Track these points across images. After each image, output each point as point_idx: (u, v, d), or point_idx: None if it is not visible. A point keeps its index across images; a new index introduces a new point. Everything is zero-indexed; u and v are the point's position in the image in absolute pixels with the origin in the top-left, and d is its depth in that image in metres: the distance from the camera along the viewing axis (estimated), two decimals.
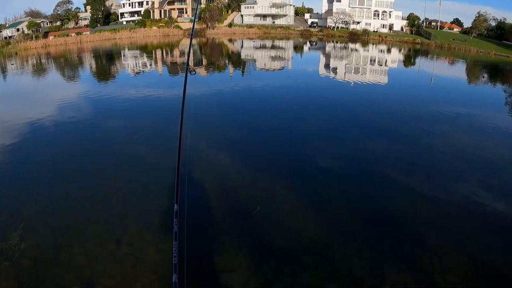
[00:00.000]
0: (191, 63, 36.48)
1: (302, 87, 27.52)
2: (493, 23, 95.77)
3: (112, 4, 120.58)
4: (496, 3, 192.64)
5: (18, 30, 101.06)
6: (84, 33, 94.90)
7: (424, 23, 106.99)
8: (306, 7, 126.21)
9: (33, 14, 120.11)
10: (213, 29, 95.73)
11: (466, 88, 33.89)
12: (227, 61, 45.07)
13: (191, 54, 48.65)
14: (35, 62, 49.16)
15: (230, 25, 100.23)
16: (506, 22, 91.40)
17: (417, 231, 8.77)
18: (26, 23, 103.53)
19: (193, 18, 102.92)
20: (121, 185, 10.70)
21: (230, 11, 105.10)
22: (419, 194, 10.54)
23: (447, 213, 9.53)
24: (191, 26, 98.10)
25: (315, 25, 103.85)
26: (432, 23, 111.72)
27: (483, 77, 41.90)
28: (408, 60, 57.12)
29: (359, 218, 9.29)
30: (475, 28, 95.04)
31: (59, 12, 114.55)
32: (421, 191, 10.72)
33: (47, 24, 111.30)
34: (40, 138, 15.28)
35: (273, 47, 67.73)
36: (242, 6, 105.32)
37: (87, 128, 16.50)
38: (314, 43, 78.41)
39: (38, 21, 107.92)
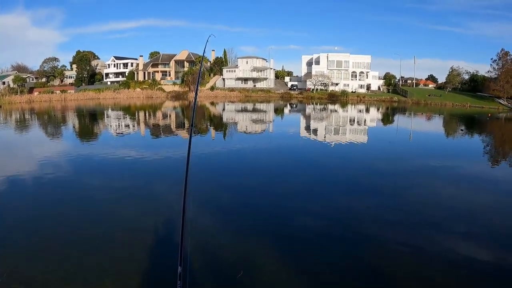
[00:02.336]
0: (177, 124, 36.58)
1: (283, 149, 27.58)
2: (466, 76, 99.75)
3: (97, 64, 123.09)
4: (468, 57, 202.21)
5: (3, 83, 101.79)
6: (68, 91, 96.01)
7: (400, 81, 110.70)
8: (286, 70, 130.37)
9: (20, 68, 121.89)
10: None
11: (444, 141, 34.50)
12: (209, 124, 45.44)
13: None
14: (18, 117, 49.16)
15: (212, 88, 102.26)
16: (478, 74, 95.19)
17: (401, 285, 8.67)
18: (12, 77, 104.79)
19: (177, 81, 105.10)
20: (100, 244, 10.39)
21: (212, 74, 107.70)
22: (402, 248, 10.44)
23: (430, 266, 9.41)
24: (174, 89, 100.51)
25: (295, 87, 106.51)
26: (408, 81, 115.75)
27: (462, 130, 42.88)
28: (387, 119, 58.38)
29: (342, 276, 9.10)
30: (449, 82, 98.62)
31: (45, 69, 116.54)
32: (404, 244, 10.64)
33: (33, 80, 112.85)
34: (18, 194, 14.98)
35: (254, 110, 68.68)
36: (224, 70, 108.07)
37: (66, 186, 16.21)
38: (294, 106, 79.87)
39: (24, 76, 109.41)
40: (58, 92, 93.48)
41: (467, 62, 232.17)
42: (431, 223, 12.53)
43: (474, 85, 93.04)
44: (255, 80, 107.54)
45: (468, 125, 48.91)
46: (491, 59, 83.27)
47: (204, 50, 7.57)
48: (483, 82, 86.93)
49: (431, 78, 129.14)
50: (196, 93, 6.24)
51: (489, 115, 60.46)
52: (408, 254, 10.15)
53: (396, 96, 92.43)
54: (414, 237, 11.35)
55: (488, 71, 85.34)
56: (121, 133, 36.14)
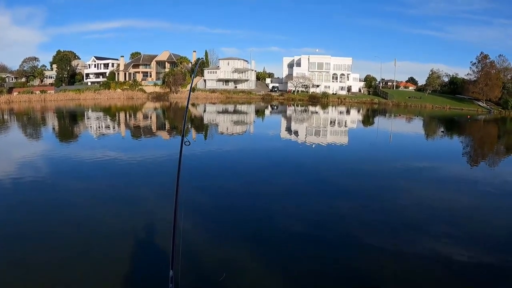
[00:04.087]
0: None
1: (264, 151, 27.25)
2: (446, 79, 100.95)
3: (78, 64, 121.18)
4: (448, 60, 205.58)
5: None
6: (48, 91, 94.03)
7: (381, 84, 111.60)
8: (267, 72, 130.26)
9: None
10: (177, 93, 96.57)
11: (424, 143, 34.77)
12: (190, 126, 44.89)
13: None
14: None
15: (193, 89, 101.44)
16: (458, 77, 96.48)
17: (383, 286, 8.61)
18: None
19: (158, 82, 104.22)
20: (85, 249, 10.04)
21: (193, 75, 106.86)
22: (384, 250, 10.41)
23: (412, 267, 9.48)
24: (155, 90, 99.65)
25: (276, 89, 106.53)
26: (389, 83, 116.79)
27: (442, 131, 43.22)
28: (367, 120, 58.62)
29: (325, 279, 8.99)
30: (429, 85, 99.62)
31: (25, 69, 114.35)
32: (386, 246, 10.62)
33: (12, 80, 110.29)
34: None
35: (235, 111, 68.39)
36: (205, 71, 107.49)
37: (46, 189, 15.79)
38: (275, 107, 79.71)
39: (3, 76, 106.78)
40: (37, 92, 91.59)
41: (447, 65, 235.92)
42: (411, 224, 12.55)
43: (454, 88, 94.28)
44: (236, 81, 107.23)
45: (448, 127, 49.48)
46: (471, 62, 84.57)
47: (195, 71, 7.17)
48: (463, 84, 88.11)
49: (411, 81, 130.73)
50: (188, 100, 5.89)
51: (469, 117, 61.16)
52: (389, 255, 10.13)
53: (377, 98, 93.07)
54: (395, 238, 11.33)
55: (467, 74, 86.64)
56: (102, 134, 35.34)
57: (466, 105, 77.81)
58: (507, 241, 11.32)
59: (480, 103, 78.73)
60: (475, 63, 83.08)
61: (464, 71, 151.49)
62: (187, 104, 6.21)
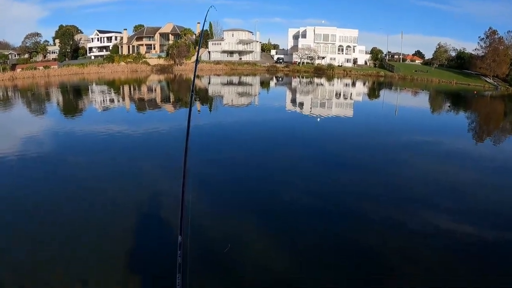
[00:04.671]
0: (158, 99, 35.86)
1: (269, 123, 27.20)
2: (453, 54, 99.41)
3: (81, 39, 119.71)
4: (456, 34, 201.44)
5: None
6: (52, 66, 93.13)
7: (387, 56, 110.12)
8: (272, 43, 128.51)
9: (1, 45, 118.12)
10: (181, 65, 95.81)
11: (430, 117, 34.57)
12: (194, 98, 44.63)
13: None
14: (1, 94, 47.65)
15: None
16: (465, 52, 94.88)
17: (386, 259, 8.73)
18: None
19: (162, 54, 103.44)
20: (87, 222, 10.16)
21: (197, 47, 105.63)
22: (386, 223, 10.53)
23: (415, 241, 9.54)
24: (159, 63, 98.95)
25: (281, 61, 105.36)
26: (395, 56, 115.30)
27: (449, 106, 42.94)
28: (373, 93, 58.13)
29: (329, 251, 9.16)
30: (436, 59, 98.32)
31: (27, 45, 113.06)
32: (389, 220, 10.73)
33: (15, 56, 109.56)
34: (2, 172, 14.64)
35: (240, 83, 67.93)
36: (210, 43, 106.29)
37: (53, 164, 15.87)
38: (280, 79, 79.12)
39: (6, 53, 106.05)
40: (41, 68, 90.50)
41: (455, 40, 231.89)
42: (415, 198, 12.60)
43: (461, 63, 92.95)
44: (241, 53, 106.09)
45: (454, 102, 49.02)
46: (479, 37, 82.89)
47: (204, 23, 7.15)
48: (470, 59, 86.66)
49: (418, 54, 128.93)
50: (195, 66, 5.82)
51: (475, 92, 60.54)
52: (392, 228, 10.23)
53: (383, 71, 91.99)
54: (399, 211, 11.42)
55: (475, 49, 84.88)
56: (106, 108, 35.28)
57: (473, 81, 76.85)
58: (508, 216, 11.39)
59: (487, 79, 77.71)
60: (483, 39, 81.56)
61: (472, 46, 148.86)
62: (196, 63, 6.11)
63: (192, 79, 5.82)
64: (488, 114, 39.70)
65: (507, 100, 55.99)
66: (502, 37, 79.81)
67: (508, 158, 19.27)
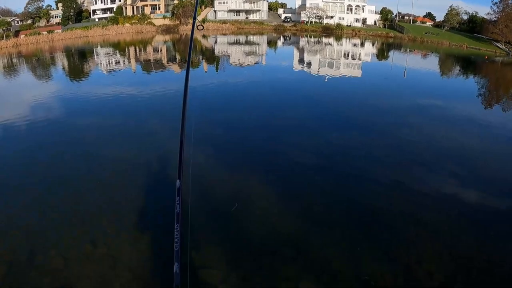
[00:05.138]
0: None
1: (276, 83, 26.94)
2: (465, 17, 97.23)
3: (84, 1, 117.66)
4: None
5: None
6: (55, 31, 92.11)
7: (397, 17, 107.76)
8: (280, 2, 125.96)
9: (3, 12, 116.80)
10: (187, 25, 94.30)
11: (439, 80, 33.99)
12: (201, 58, 44.12)
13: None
14: (6, 62, 47.21)
15: (203, 21, 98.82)
16: (477, 15, 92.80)
17: (392, 221, 8.78)
18: None
19: (167, 14, 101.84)
20: (92, 183, 10.28)
21: (203, 7, 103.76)
22: (394, 185, 10.53)
23: (421, 204, 9.53)
24: (165, 23, 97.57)
25: (288, 20, 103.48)
26: (405, 17, 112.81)
27: (459, 70, 42.26)
28: (382, 54, 57.20)
29: (335, 210, 9.22)
30: (448, 21, 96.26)
31: (30, 10, 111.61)
32: (396, 182, 10.72)
33: (18, 23, 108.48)
34: (10, 138, 14.65)
35: (246, 42, 67.01)
36: (216, 2, 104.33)
37: (59, 128, 15.87)
38: (287, 38, 77.96)
39: (8, 20, 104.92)
40: (44, 33, 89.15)
41: (467, 3, 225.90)
42: (421, 162, 12.52)
43: (473, 26, 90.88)
44: (247, 12, 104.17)
45: (464, 66, 48.19)
46: (492, 1, 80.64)
47: None
48: (482, 24, 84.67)
49: (429, 16, 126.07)
50: (192, 30, 5.55)
51: (486, 57, 59.45)
52: (397, 191, 10.22)
53: (392, 31, 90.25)
54: (404, 174, 11.38)
55: (487, 13, 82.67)
56: (112, 70, 35.02)
57: (484, 46, 75.26)
58: None
59: (499, 44, 76.01)
60: (496, 3, 79.18)
61: (484, 10, 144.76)
62: (192, 30, 5.87)
63: (190, 39, 5.55)
64: (498, 80, 38.99)
65: None
66: None
67: None
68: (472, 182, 11.11)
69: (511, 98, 28.52)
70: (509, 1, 77.21)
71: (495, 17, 78.58)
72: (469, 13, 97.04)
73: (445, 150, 13.80)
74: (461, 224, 8.82)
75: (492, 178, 11.48)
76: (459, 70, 42.93)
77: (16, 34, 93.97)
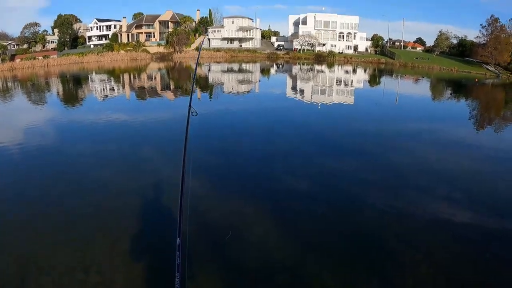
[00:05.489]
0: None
1: (270, 110, 27.17)
2: (455, 41, 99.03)
3: (79, 28, 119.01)
4: (457, 21, 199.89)
5: None
6: (51, 56, 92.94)
7: (388, 43, 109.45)
8: (273, 30, 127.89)
9: (0, 36, 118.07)
10: (181, 53, 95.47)
11: (430, 104, 34.51)
12: (194, 85, 44.48)
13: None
14: (1, 85, 47.54)
15: (197, 48, 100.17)
16: (467, 39, 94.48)
17: (387, 245, 8.80)
18: None
19: (161, 42, 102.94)
20: (83, 211, 10.14)
21: (197, 35, 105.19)
22: (388, 210, 10.55)
23: (415, 227, 9.63)
24: (159, 50, 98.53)
25: (281, 48, 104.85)
26: (396, 43, 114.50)
27: (451, 94, 42.89)
28: (373, 80, 57.86)
29: (329, 236, 9.23)
30: (438, 46, 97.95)
31: (26, 35, 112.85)
32: (389, 206, 10.76)
33: (14, 47, 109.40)
34: (3, 163, 14.59)
35: (240, 70, 67.66)
36: (209, 30, 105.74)
37: (53, 153, 15.90)
38: (280, 66, 78.79)
39: (4, 44, 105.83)
40: (40, 58, 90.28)
41: (456, 27, 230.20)
42: (414, 185, 12.62)
43: (462, 50, 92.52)
44: (241, 40, 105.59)
45: (455, 90, 48.92)
46: (481, 25, 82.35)
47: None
48: (472, 47, 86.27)
49: (419, 41, 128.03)
50: (195, 73, 5.69)
51: (477, 80, 60.31)
52: (390, 215, 10.25)
53: (384, 57, 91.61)
54: (397, 198, 11.46)
55: (476, 37, 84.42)
56: (106, 97, 35.26)
57: (474, 68, 76.49)
58: (508, 204, 11.40)
59: (488, 67, 77.31)
60: (485, 26, 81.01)
61: (473, 34, 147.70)
62: (194, 77, 6.03)
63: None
64: (489, 102, 39.55)
65: (508, 88, 55.80)
66: (504, 25, 79.43)
67: (509, 147, 19.21)
68: (466, 204, 11.19)
69: (502, 120, 28.88)
70: (497, 24, 78.78)
71: (484, 40, 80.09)
72: (458, 37, 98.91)
73: (438, 173, 13.90)
74: (456, 246, 8.83)
75: (485, 200, 11.56)
76: (450, 94, 43.53)
77: (12, 58, 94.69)
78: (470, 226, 9.72)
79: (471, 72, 73.82)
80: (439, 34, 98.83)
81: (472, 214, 10.40)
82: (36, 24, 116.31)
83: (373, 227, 9.54)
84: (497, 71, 75.04)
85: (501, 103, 40.42)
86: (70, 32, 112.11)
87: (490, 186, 12.88)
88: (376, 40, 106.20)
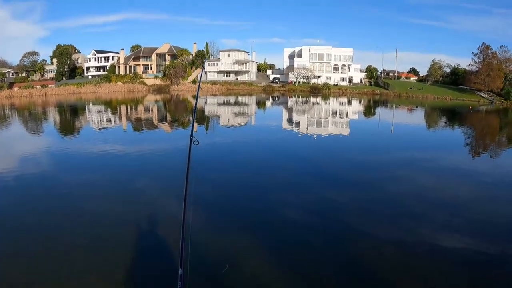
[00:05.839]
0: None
1: (266, 142, 27.27)
2: (448, 70, 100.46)
3: (78, 58, 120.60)
4: (449, 50, 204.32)
5: None
6: (49, 85, 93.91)
7: (382, 74, 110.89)
8: (268, 63, 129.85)
9: None
10: (177, 85, 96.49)
11: (426, 134, 34.77)
12: (191, 117, 44.81)
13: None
14: None
15: (194, 81, 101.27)
16: (459, 67, 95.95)
17: (385, 275, 8.74)
18: None
19: (158, 74, 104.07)
20: (82, 241, 10.05)
21: (194, 68, 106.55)
22: (385, 239, 10.52)
23: (414, 256, 9.58)
24: (156, 83, 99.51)
25: (277, 80, 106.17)
26: (390, 74, 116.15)
27: (446, 122, 43.32)
28: (369, 111, 58.43)
29: (326, 267, 9.13)
30: (431, 75, 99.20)
31: (25, 63, 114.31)
32: (387, 236, 10.73)
33: (13, 75, 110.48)
34: None
35: (236, 103, 68.20)
36: (206, 63, 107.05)
37: (49, 183, 15.89)
38: (276, 98, 79.50)
39: (3, 71, 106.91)
40: (38, 87, 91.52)
41: (449, 56, 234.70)
42: (412, 214, 12.61)
43: (455, 78, 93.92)
44: (237, 73, 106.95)
45: (450, 118, 49.37)
46: (472, 52, 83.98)
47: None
48: (464, 75, 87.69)
49: (413, 71, 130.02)
50: (196, 101, 5.83)
51: (471, 107, 61.01)
52: (389, 244, 10.21)
53: (378, 88, 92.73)
54: (395, 227, 11.44)
55: (469, 65, 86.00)
56: (103, 128, 35.43)
57: (468, 96, 77.54)
58: (506, 230, 11.42)
59: (482, 94, 78.40)
60: (476, 54, 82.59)
61: (465, 62, 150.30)
62: (195, 105, 6.16)
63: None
64: (483, 129, 39.95)
65: (502, 114, 56.44)
66: (496, 51, 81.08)
67: (505, 172, 19.28)
68: (464, 231, 11.18)
69: (496, 146, 29.12)
70: (489, 51, 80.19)
71: (477, 67, 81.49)
72: (451, 65, 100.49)
73: (435, 200, 13.92)
74: (455, 274, 8.79)
75: (483, 226, 11.58)
76: (445, 122, 43.98)
77: (10, 85, 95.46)
78: (468, 253, 9.69)
79: (465, 99, 74.81)
80: (432, 63, 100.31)
81: (471, 242, 10.36)
82: (35, 53, 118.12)
83: (370, 258, 9.48)
84: (490, 97, 76.03)
85: (495, 129, 40.86)
86: (68, 62, 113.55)
87: (488, 212, 12.89)
88: (370, 72, 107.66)
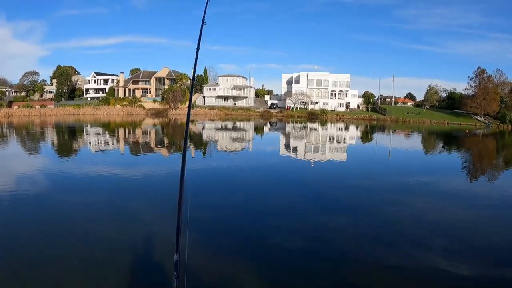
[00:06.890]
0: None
1: (263, 168, 27.20)
2: (444, 94, 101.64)
3: (78, 80, 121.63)
4: (445, 75, 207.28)
5: None
6: (48, 106, 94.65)
7: (379, 100, 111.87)
8: (266, 88, 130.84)
9: None
10: (176, 109, 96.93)
11: (423, 158, 34.83)
12: (189, 142, 44.86)
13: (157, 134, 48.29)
14: None
15: (192, 106, 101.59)
16: (455, 92, 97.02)
17: None
18: None
19: (157, 98, 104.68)
20: (74, 264, 9.84)
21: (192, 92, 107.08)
22: (384, 264, 10.38)
23: (412, 281, 9.45)
24: (154, 106, 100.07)
25: (274, 106, 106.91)
26: (387, 99, 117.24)
27: (443, 147, 43.50)
28: (366, 136, 58.67)
29: None
30: (427, 100, 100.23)
31: (25, 83, 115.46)
32: (386, 261, 10.59)
33: (12, 93, 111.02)
34: None
35: (234, 128, 68.42)
36: (204, 88, 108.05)
37: (44, 203, 15.72)
38: (274, 124, 79.87)
39: (3, 90, 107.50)
40: (37, 106, 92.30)
41: (445, 80, 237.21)
42: (411, 239, 12.50)
43: (452, 103, 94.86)
44: (235, 98, 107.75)
45: (447, 142, 49.58)
46: (468, 76, 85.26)
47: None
48: (460, 99, 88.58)
49: (409, 96, 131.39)
50: (189, 110, 5.81)
51: (467, 131, 61.35)
52: (388, 270, 10.09)
53: (375, 114, 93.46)
54: (394, 252, 11.31)
55: (465, 89, 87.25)
56: (101, 150, 35.38)
57: (464, 120, 78.17)
58: (506, 253, 11.33)
59: (478, 117, 79.06)
60: (472, 78, 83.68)
61: (461, 86, 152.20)
62: (189, 112, 6.17)
63: (186, 124, 5.80)
64: (480, 152, 40.10)
65: (499, 137, 56.70)
66: (491, 75, 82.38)
67: (502, 195, 19.28)
68: (463, 256, 11.10)
69: (494, 169, 29.17)
70: (484, 75, 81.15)
71: (472, 91, 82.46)
72: (447, 90, 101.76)
73: (434, 225, 13.85)
74: None
75: (482, 250, 11.52)
76: (442, 147, 44.18)
77: (9, 104, 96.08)
78: (468, 278, 9.61)
79: (461, 123, 75.35)
80: (429, 88, 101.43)
81: (469, 265, 10.29)
82: (36, 73, 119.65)
83: (369, 283, 9.40)
84: (486, 121, 76.60)
85: (492, 152, 41.01)
86: (68, 83, 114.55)
87: (486, 235, 12.85)
88: (367, 97, 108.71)
